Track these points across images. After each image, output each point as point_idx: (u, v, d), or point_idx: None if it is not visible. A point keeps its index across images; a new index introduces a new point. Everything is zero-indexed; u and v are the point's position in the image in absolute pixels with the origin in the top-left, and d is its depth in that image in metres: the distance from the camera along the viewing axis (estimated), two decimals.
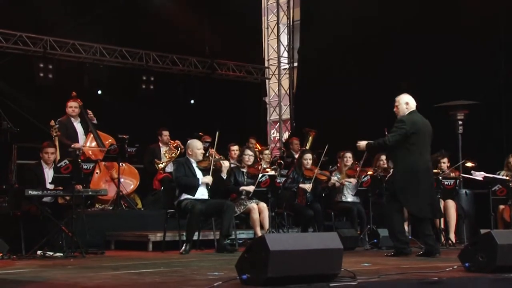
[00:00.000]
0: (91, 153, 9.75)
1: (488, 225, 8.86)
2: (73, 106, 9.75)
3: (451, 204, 9.28)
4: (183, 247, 7.88)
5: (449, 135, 10.22)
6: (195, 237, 8.49)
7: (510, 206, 9.24)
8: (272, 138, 16.90)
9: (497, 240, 5.23)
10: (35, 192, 7.41)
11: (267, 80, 16.49)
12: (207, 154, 10.44)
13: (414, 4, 12.11)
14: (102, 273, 5.64)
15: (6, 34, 12.07)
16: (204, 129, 10.73)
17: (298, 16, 15.94)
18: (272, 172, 8.97)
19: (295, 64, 15.88)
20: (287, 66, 16.46)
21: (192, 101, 14.39)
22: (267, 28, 16.71)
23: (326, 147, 9.42)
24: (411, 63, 11.57)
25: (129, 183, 10.14)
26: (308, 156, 9.62)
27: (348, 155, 9.74)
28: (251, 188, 8.62)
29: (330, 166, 10.35)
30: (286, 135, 16.17)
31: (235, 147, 9.85)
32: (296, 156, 10.89)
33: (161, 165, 10.39)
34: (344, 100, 12.96)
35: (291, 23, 16.11)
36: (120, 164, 9.71)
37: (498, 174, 9.51)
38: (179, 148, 10.45)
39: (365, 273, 5.12)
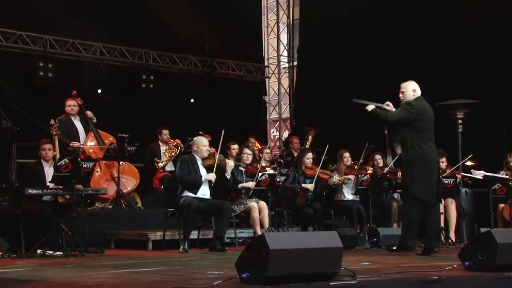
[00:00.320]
0: (91, 151, 9.75)
1: (488, 224, 8.87)
2: (71, 105, 9.75)
3: (451, 203, 9.28)
4: (182, 246, 7.89)
5: (449, 134, 10.22)
6: (195, 236, 8.51)
7: (510, 205, 9.24)
8: (272, 137, 16.90)
9: (497, 239, 5.23)
10: (35, 191, 7.41)
11: (267, 79, 16.49)
12: (222, 156, 10.47)
13: (414, 3, 12.11)
14: (102, 272, 5.65)
15: (6, 33, 12.07)
16: (204, 128, 10.72)
17: (297, 15, 15.93)
18: (271, 171, 8.96)
19: (295, 63, 15.87)
20: (287, 65, 16.45)
21: (192, 100, 14.39)
22: (267, 27, 16.70)
23: (327, 147, 9.42)
24: (411, 62, 11.55)
25: (129, 182, 10.14)
26: (310, 155, 9.63)
27: (347, 154, 9.74)
28: (251, 184, 8.61)
29: (330, 165, 10.36)
30: (286, 134, 16.17)
31: (235, 146, 9.86)
32: (296, 155, 10.89)
33: (161, 164, 10.39)
34: (344, 99, 12.93)
35: (291, 22, 16.11)
36: (120, 163, 9.70)
37: (498, 173, 9.52)
38: (179, 147, 10.45)
39: (365, 272, 5.13)
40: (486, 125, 11.05)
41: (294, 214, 9.60)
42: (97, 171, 9.58)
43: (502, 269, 5.20)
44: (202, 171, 8.31)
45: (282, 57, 16.51)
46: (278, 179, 8.80)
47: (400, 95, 7.40)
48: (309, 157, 9.56)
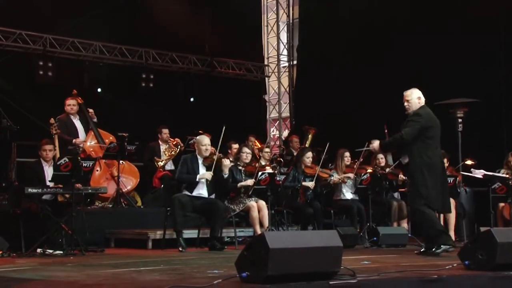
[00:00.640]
0: (91, 151, 9.75)
1: (488, 223, 8.87)
2: (71, 104, 9.75)
3: (451, 202, 9.27)
4: (178, 243, 7.94)
5: (449, 133, 10.21)
6: (194, 235, 8.52)
7: (510, 204, 9.25)
8: (271, 136, 16.89)
9: (497, 238, 5.24)
10: (35, 190, 7.41)
11: (266, 78, 16.49)
12: (221, 155, 10.46)
13: (415, 3, 12.10)
14: (102, 271, 5.65)
15: (6, 32, 12.07)
16: (204, 127, 10.72)
17: (297, 14, 15.93)
18: (270, 170, 8.94)
19: (295, 62, 15.87)
20: (286, 64, 16.45)
21: (191, 99, 14.39)
22: (267, 26, 16.69)
23: (327, 145, 9.41)
24: (411, 62, 11.56)
25: (129, 181, 10.14)
26: (309, 154, 9.63)
27: (347, 154, 9.74)
28: (250, 182, 8.60)
29: (330, 164, 10.35)
30: (285, 133, 16.17)
31: (236, 146, 9.85)
32: (296, 154, 10.88)
33: (160, 163, 10.39)
34: (344, 98, 12.96)
35: (291, 21, 16.10)
36: (120, 162, 9.70)
37: (498, 172, 9.51)
38: (179, 146, 10.45)
39: (365, 271, 5.13)
40: (486, 124, 11.05)
41: (294, 213, 9.59)
42: (97, 170, 9.58)
43: (502, 268, 5.20)
44: (202, 170, 8.31)
45: (282, 56, 16.51)
46: (278, 178, 8.79)
47: (406, 103, 7.29)
48: (308, 156, 9.56)
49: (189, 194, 8.20)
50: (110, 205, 9.62)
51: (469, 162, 9.50)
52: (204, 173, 8.25)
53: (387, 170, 9.53)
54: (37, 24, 12.29)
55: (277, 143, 16.28)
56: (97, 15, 12.50)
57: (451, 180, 9.03)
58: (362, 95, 12.54)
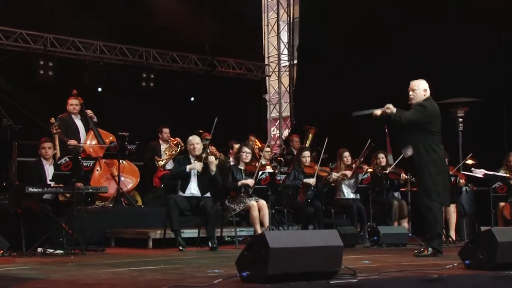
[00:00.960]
0: (91, 151, 9.75)
1: (488, 223, 8.86)
2: (73, 104, 9.75)
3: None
4: (178, 244, 7.95)
5: (450, 132, 10.22)
6: (195, 235, 8.53)
7: (510, 203, 9.24)
8: (272, 135, 16.90)
9: (498, 238, 5.24)
10: (35, 190, 7.41)
11: (267, 78, 16.50)
12: (208, 151, 10.46)
13: (415, 3, 12.09)
14: (103, 271, 5.65)
15: (7, 32, 12.08)
16: (204, 127, 10.72)
17: (298, 14, 15.93)
18: (270, 169, 8.94)
19: (295, 62, 15.87)
20: (287, 64, 16.45)
21: (192, 99, 14.39)
22: (267, 25, 16.70)
23: (326, 140, 9.40)
24: (411, 62, 11.55)
25: (129, 181, 10.14)
26: (306, 153, 9.63)
27: (346, 154, 9.73)
28: (250, 182, 8.60)
29: (330, 164, 10.36)
30: (286, 133, 16.17)
31: (238, 145, 9.84)
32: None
33: (161, 163, 10.39)
34: (344, 97, 12.96)
35: (291, 21, 16.11)
36: (120, 161, 9.70)
37: (498, 172, 9.50)
38: (179, 146, 10.45)
39: (365, 271, 5.12)
40: (487, 124, 11.05)
41: (294, 212, 9.59)
42: (97, 170, 9.58)
43: (503, 267, 5.21)
44: (193, 171, 8.32)
45: (282, 56, 16.51)
46: (278, 178, 8.79)
47: (411, 93, 7.12)
48: (305, 156, 9.55)
49: (182, 195, 8.25)
50: (111, 205, 9.62)
51: (469, 161, 9.49)
52: (194, 163, 8.25)
53: (389, 169, 9.52)
54: (37, 23, 12.31)
55: (278, 142, 16.28)
56: (98, 14, 12.51)
57: (452, 180, 9.02)
58: (362, 95, 12.52)
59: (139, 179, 10.28)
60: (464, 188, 9.98)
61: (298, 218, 9.71)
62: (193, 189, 8.29)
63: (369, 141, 9.47)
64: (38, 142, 8.18)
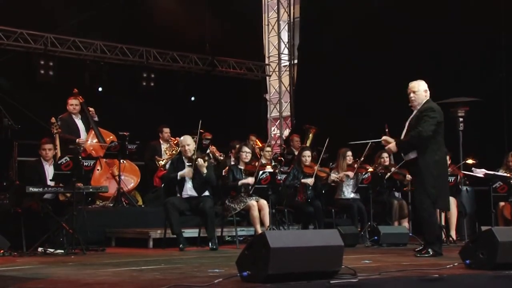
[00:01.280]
0: (92, 150, 9.75)
1: (488, 222, 8.85)
2: (74, 104, 9.76)
3: (452, 201, 9.26)
4: (178, 243, 7.96)
5: (450, 132, 10.21)
6: (195, 235, 8.53)
7: (511, 203, 9.24)
8: (272, 135, 16.90)
9: (498, 237, 5.24)
10: (36, 189, 7.41)
11: (267, 77, 16.50)
12: (208, 151, 10.48)
13: (415, 2, 12.09)
14: (103, 270, 5.65)
15: (7, 31, 12.08)
16: (205, 126, 10.72)
17: (298, 13, 15.93)
18: (269, 168, 8.93)
19: (296, 61, 15.88)
20: (287, 63, 16.45)
21: (192, 98, 14.39)
22: (268, 25, 16.71)
23: (327, 141, 9.40)
24: (411, 62, 11.55)
25: (130, 180, 10.15)
26: (307, 153, 9.64)
27: (349, 153, 9.72)
28: (250, 180, 8.59)
29: (331, 163, 10.36)
30: (286, 132, 16.17)
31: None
32: (297, 153, 10.88)
33: (161, 162, 10.39)
34: (344, 97, 12.97)
35: (292, 20, 16.11)
36: (121, 161, 9.71)
37: (498, 171, 9.50)
38: (179, 145, 10.45)
39: (366, 270, 5.12)
40: (487, 123, 11.05)
41: (294, 212, 9.60)
42: (98, 170, 9.59)
43: (503, 267, 5.21)
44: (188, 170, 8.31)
45: (282, 55, 16.51)
46: (279, 177, 8.80)
47: (411, 95, 7.00)
48: (305, 155, 9.56)
49: (181, 196, 8.27)
50: (111, 204, 9.63)
51: (470, 161, 9.49)
52: (184, 171, 8.25)
53: (393, 169, 9.49)
54: (38, 23, 12.30)
55: (278, 142, 16.28)
56: (98, 14, 12.50)
57: (452, 180, 9.03)
58: (362, 95, 12.54)
59: (139, 179, 10.28)
60: (464, 188, 9.98)
61: (299, 218, 9.72)
62: (189, 190, 8.30)
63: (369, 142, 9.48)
64: (39, 143, 8.18)
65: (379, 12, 12.65)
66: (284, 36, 16.58)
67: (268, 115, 16.79)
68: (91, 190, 8.19)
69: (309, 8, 15.07)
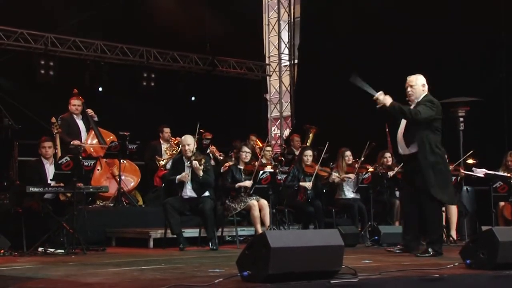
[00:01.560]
0: (92, 150, 9.75)
1: (489, 222, 8.84)
2: (76, 104, 9.74)
3: None
4: (179, 243, 7.98)
5: (450, 132, 10.21)
6: (196, 234, 8.53)
7: (511, 203, 9.23)
8: (273, 135, 16.91)
9: (498, 237, 5.24)
10: (36, 189, 7.41)
11: (268, 77, 16.51)
12: (208, 151, 10.48)
13: (415, 2, 12.09)
14: (103, 270, 5.65)
15: (7, 31, 12.09)
16: (205, 126, 10.73)
17: (299, 13, 15.94)
18: (268, 168, 8.93)
19: (296, 61, 15.88)
20: (288, 63, 16.46)
21: (193, 98, 14.39)
22: (268, 25, 16.72)
23: (327, 144, 9.41)
24: (411, 62, 11.54)
25: (130, 180, 10.15)
26: (309, 153, 9.63)
27: (348, 153, 9.72)
28: (248, 183, 8.60)
29: (331, 163, 10.36)
30: (287, 132, 16.18)
31: None
32: (297, 153, 10.88)
33: (162, 162, 10.39)
34: (344, 97, 12.94)
35: (292, 20, 16.11)
36: (121, 161, 9.71)
37: (498, 171, 9.49)
38: (180, 145, 10.44)
39: (366, 270, 5.12)
40: (488, 123, 11.05)
41: (295, 212, 9.60)
42: (98, 169, 9.58)
43: (503, 267, 5.20)
44: (187, 171, 8.31)
45: (283, 55, 16.52)
46: (279, 177, 8.79)
47: (409, 89, 6.95)
48: (307, 155, 9.57)
49: (181, 196, 8.27)
50: (112, 204, 9.63)
51: (470, 161, 9.48)
52: (181, 175, 8.26)
53: (396, 169, 9.48)
54: (38, 23, 12.31)
55: (278, 142, 16.28)
56: (98, 14, 12.51)
57: (453, 179, 9.02)
58: (362, 95, 12.49)
59: (140, 179, 10.28)
60: (465, 188, 9.98)
61: (299, 218, 9.72)
62: (189, 191, 8.29)
63: (368, 142, 9.48)
64: (39, 142, 8.18)
65: (379, 12, 12.65)
66: (285, 36, 16.58)
67: (269, 115, 16.80)
68: (91, 190, 8.19)
69: (309, 8, 15.07)
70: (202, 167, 8.18)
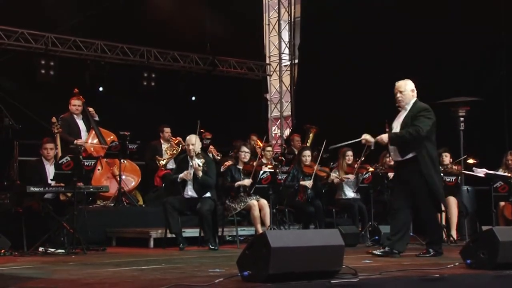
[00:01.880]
0: (92, 150, 9.76)
1: (489, 222, 8.84)
2: (76, 105, 9.74)
3: (453, 201, 9.29)
4: (178, 243, 7.99)
5: (451, 132, 10.22)
6: (196, 234, 8.53)
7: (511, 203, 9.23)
8: (273, 135, 16.90)
9: (499, 237, 5.24)
10: (36, 189, 7.41)
11: (268, 77, 16.51)
12: (207, 151, 10.48)
13: (415, 2, 12.09)
14: (104, 270, 5.65)
15: (8, 31, 12.09)
16: (206, 126, 10.74)
17: (299, 13, 15.93)
18: (267, 168, 8.92)
19: (296, 61, 15.88)
20: (288, 63, 16.46)
21: (193, 98, 14.39)
22: (268, 24, 16.72)
23: (324, 143, 9.40)
24: (411, 62, 11.55)
25: (131, 180, 10.15)
26: (307, 152, 9.64)
27: (349, 153, 9.72)
28: (247, 182, 8.59)
29: (332, 163, 10.36)
30: (287, 132, 16.18)
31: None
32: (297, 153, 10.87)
33: (162, 162, 10.40)
34: (345, 97, 12.96)
35: (292, 20, 16.11)
36: (122, 160, 9.71)
37: (498, 171, 9.49)
38: (181, 145, 10.45)
39: (367, 270, 5.12)
40: (488, 123, 11.05)
41: (295, 212, 9.60)
42: (98, 169, 9.59)
43: (504, 267, 5.20)
44: (191, 170, 8.31)
45: (283, 55, 16.52)
46: (279, 177, 8.80)
47: (398, 95, 6.92)
48: (305, 155, 9.57)
49: (182, 195, 8.28)
50: (112, 204, 9.63)
51: (471, 161, 9.49)
52: (183, 173, 8.26)
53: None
54: (38, 23, 12.31)
55: (279, 142, 16.28)
56: (98, 14, 12.51)
57: (453, 179, 9.03)
58: (362, 94, 12.53)
59: (140, 179, 10.29)
60: (465, 188, 9.98)
61: (299, 218, 9.72)
62: (190, 191, 8.30)
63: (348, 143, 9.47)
64: (40, 142, 8.18)
65: (379, 12, 12.65)
66: (285, 35, 16.58)
67: (269, 115, 16.80)
68: (91, 189, 8.20)
69: (310, 8, 15.07)
70: (201, 167, 8.18)
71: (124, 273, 5.43)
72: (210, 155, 10.42)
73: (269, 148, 10.05)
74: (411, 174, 6.80)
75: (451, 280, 4.95)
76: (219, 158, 10.75)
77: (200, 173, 8.17)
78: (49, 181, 7.77)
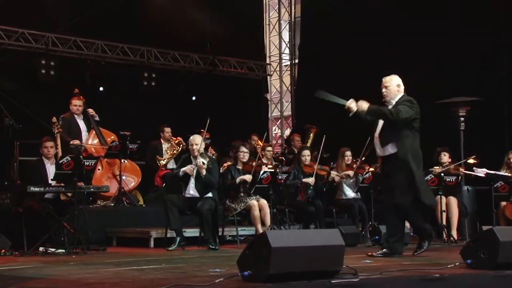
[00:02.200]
0: (93, 150, 9.76)
1: (490, 222, 8.85)
2: (77, 105, 9.75)
3: (453, 201, 9.29)
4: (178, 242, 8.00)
5: (451, 132, 10.22)
6: (196, 234, 8.53)
7: None
8: (273, 134, 16.91)
9: (499, 237, 5.24)
10: (37, 189, 7.42)
11: (268, 77, 16.51)
12: (207, 151, 10.47)
13: (415, 2, 12.09)
14: (104, 270, 5.66)
15: (8, 31, 12.09)
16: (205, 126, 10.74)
17: (299, 13, 15.94)
18: (266, 168, 8.91)
19: (297, 61, 15.88)
20: (288, 63, 16.47)
21: (193, 98, 14.40)
22: (269, 24, 16.72)
23: (324, 138, 9.39)
24: (411, 62, 11.55)
25: (131, 180, 10.15)
26: (306, 152, 9.64)
27: (348, 153, 9.73)
28: (247, 177, 8.57)
29: (332, 163, 10.36)
30: (287, 132, 16.18)
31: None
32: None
33: (162, 162, 10.40)
34: (345, 97, 12.92)
35: (293, 20, 16.12)
36: (122, 160, 9.71)
37: (499, 171, 9.50)
38: (181, 145, 10.46)
39: (367, 270, 5.12)
40: (488, 123, 11.05)
41: (295, 212, 9.61)
42: (98, 169, 9.59)
43: (504, 267, 5.20)
44: (195, 170, 8.30)
45: (283, 55, 16.52)
46: (279, 177, 8.79)
47: (384, 90, 6.95)
48: (304, 155, 9.57)
49: (183, 195, 8.28)
50: (112, 204, 9.63)
51: (471, 161, 9.49)
52: (186, 167, 8.23)
53: None
54: (38, 23, 12.31)
55: (279, 141, 16.29)
56: (98, 14, 12.51)
57: (453, 179, 9.03)
58: (362, 95, 12.49)
59: (140, 179, 10.29)
60: (465, 188, 9.99)
61: (300, 218, 9.73)
62: (192, 190, 8.29)
63: (368, 141, 9.47)
64: (40, 141, 8.19)
65: (379, 12, 12.64)
66: (285, 35, 16.59)
67: (269, 115, 16.80)
68: (92, 189, 8.21)
69: (310, 7, 15.06)
70: (205, 166, 8.19)
71: (124, 273, 5.43)
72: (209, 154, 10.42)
73: (269, 148, 10.05)
74: (393, 168, 6.71)
75: (451, 280, 4.95)
76: (214, 158, 10.74)
77: (204, 172, 8.17)
78: (50, 181, 7.77)
